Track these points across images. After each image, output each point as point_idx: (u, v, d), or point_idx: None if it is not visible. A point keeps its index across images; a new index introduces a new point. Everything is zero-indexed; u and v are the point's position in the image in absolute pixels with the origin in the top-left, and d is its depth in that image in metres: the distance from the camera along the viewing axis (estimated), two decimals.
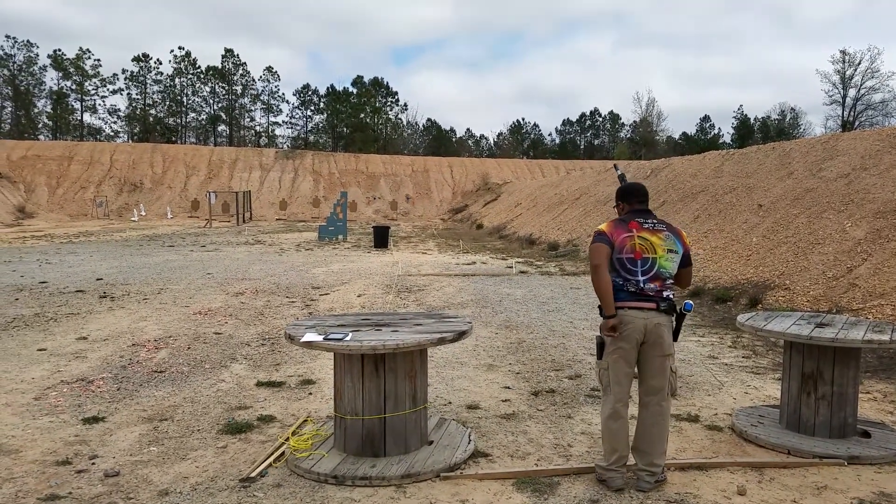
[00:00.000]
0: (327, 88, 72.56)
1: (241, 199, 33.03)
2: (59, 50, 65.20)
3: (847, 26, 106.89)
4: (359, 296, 10.12)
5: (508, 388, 5.34)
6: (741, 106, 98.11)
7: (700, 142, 72.13)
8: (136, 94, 67.81)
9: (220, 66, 68.85)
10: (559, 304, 9.54)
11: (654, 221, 3.56)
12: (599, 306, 3.49)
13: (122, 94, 67.85)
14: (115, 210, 36.60)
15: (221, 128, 71.19)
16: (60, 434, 4.24)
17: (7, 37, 61.68)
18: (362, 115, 71.02)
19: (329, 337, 3.70)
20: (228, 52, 69.36)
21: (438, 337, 3.75)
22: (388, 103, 73.97)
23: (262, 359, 6.24)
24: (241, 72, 69.78)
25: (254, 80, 70.62)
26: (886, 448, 3.96)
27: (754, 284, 9.35)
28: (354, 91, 72.17)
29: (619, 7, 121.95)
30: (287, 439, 4.05)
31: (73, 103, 66.06)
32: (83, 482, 3.53)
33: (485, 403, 4.93)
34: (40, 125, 65.25)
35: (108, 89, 67.00)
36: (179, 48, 69.91)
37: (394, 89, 74.44)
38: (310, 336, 3.71)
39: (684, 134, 78.39)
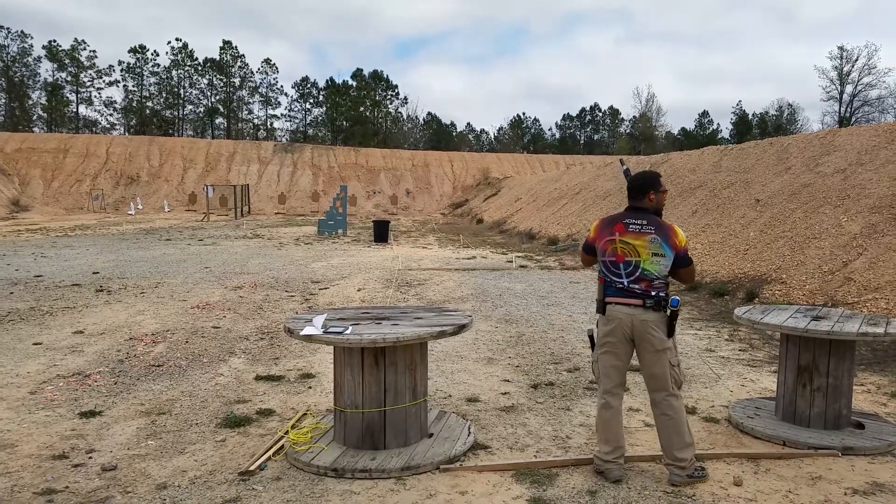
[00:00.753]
0: (326, 81, 72.52)
1: (239, 192, 32.90)
2: (55, 41, 64.89)
3: (847, 24, 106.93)
4: (359, 290, 10.12)
5: (508, 381, 5.37)
6: (740, 101, 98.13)
7: (699, 137, 72.16)
8: (133, 86, 67.59)
9: (217, 59, 68.60)
10: (558, 298, 9.57)
11: (643, 223, 3.47)
12: (597, 301, 3.58)
13: (118, 86, 67.77)
14: (112, 203, 36.43)
15: (219, 120, 70.99)
16: (57, 428, 4.22)
17: (0, 27, 61.03)
18: (362, 109, 70.87)
19: (329, 330, 3.70)
20: (227, 45, 69.07)
21: (438, 330, 3.77)
22: (388, 97, 73.78)
23: (260, 353, 6.24)
24: (239, 64, 69.53)
25: (252, 72, 70.41)
26: (880, 439, 4.01)
27: (751, 278, 9.38)
28: (354, 84, 71.94)
29: (621, 3, 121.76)
30: (286, 433, 4.06)
31: (68, 95, 65.70)
32: (80, 476, 3.52)
33: (484, 396, 4.95)
34: (35, 117, 64.78)
35: (104, 81, 66.80)
36: (177, 40, 69.90)
37: (394, 83, 74.29)
38: (309, 329, 3.72)
39: (683, 129, 78.46)
